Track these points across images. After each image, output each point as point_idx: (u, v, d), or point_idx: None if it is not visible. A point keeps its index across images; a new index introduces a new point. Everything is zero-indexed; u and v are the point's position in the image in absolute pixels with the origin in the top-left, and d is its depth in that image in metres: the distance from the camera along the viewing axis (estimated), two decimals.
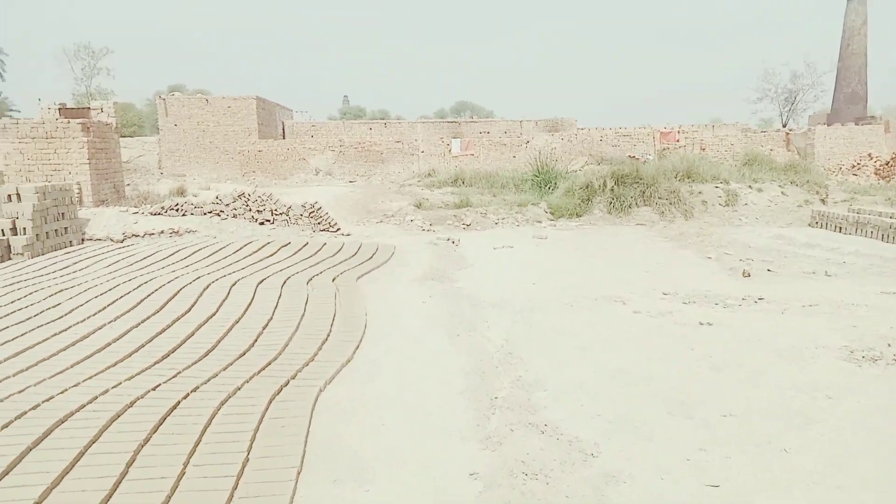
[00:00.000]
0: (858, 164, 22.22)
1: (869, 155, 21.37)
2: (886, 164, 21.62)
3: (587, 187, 17.35)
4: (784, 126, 39.77)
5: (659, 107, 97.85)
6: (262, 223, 14.79)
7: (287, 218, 14.79)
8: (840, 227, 14.62)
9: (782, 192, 17.01)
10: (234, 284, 9.17)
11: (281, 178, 31.29)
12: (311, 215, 14.73)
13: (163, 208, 14.46)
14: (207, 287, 8.93)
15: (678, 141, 32.71)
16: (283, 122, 37.23)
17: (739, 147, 26.22)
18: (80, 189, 15.43)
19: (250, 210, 14.87)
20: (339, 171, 31.24)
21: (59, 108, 17.26)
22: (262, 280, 9.62)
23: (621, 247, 13.44)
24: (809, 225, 15.62)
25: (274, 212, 14.83)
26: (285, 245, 12.93)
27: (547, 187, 19.01)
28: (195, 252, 11.92)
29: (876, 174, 21.66)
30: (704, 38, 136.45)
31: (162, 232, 13.99)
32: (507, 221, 16.44)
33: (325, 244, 13.31)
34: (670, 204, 16.55)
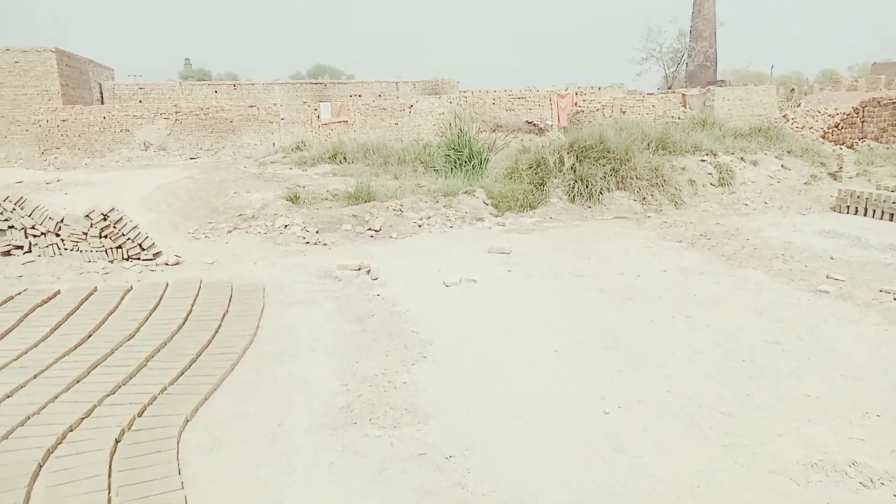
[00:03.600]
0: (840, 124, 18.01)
1: (856, 109, 17.35)
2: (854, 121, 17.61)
3: (537, 165, 11.78)
4: (670, 87, 36.78)
5: (531, 71, 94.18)
6: (5, 252, 7.78)
7: (57, 241, 7.87)
8: (892, 214, 10.23)
9: (782, 166, 12.49)
10: None
11: (96, 157, 22.93)
12: (106, 234, 7.91)
13: None
14: None
15: (577, 105, 28.19)
16: (100, 85, 28.22)
17: (662, 109, 21.97)
18: None
19: None
20: (177, 146, 23.43)
21: None
22: None
23: (637, 265, 8.02)
24: (834, 209, 11.16)
25: (30, 230, 7.84)
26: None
27: (471, 165, 13.25)
28: None
29: (829, 137, 18.00)
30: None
31: None
32: (434, 221, 10.48)
33: (122, 296, 6.74)
34: (652, 186, 11.45)
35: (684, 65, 36.91)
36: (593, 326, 5.79)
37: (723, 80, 44.73)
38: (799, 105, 34.71)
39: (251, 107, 24.48)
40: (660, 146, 12.45)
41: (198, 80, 42.67)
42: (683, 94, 30.48)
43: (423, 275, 7.66)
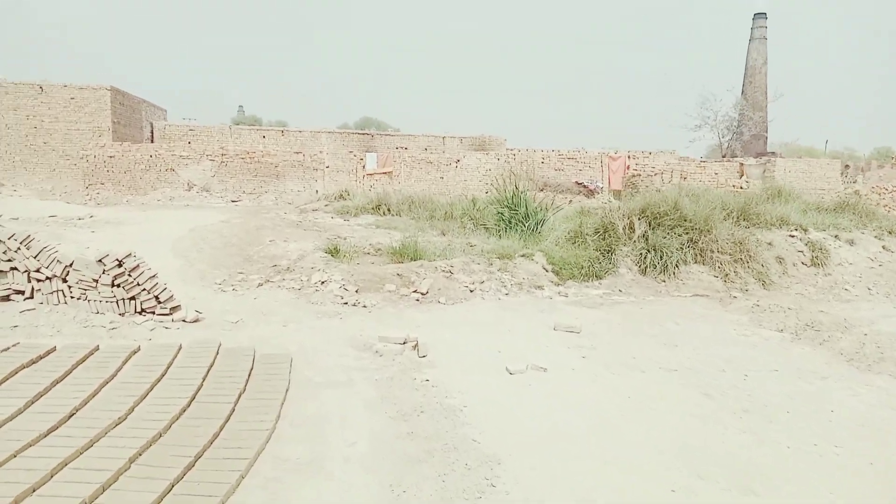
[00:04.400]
0: None
1: None
2: None
3: (604, 230, 10.48)
4: (724, 156, 35.42)
5: (583, 131, 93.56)
6: (4, 298, 6.76)
7: (64, 287, 6.83)
8: None
9: (884, 247, 10.95)
10: None
11: (139, 194, 22.50)
12: (119, 282, 6.84)
13: None
14: None
15: (629, 168, 27.00)
16: (151, 124, 28.23)
17: (724, 178, 20.60)
18: None
19: None
20: (220, 188, 22.88)
21: None
22: None
23: (738, 359, 6.55)
24: None
25: (34, 273, 6.82)
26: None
27: (526, 226, 12.03)
28: None
29: None
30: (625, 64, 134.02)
31: None
32: (488, 287, 9.19)
33: (124, 359, 5.59)
34: (735, 262, 10.01)
35: (738, 134, 35.56)
36: (715, 453, 4.35)
37: (773, 152, 43.23)
38: (855, 182, 32.96)
39: (297, 153, 23.93)
40: (741, 217, 11.05)
41: (248, 126, 43.00)
42: (741, 164, 29.06)
43: (480, 355, 6.32)
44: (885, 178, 34.89)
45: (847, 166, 43.72)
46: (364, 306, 8.29)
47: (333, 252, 10.39)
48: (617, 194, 26.91)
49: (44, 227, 11.04)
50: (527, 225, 12.02)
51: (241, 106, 58.22)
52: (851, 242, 10.87)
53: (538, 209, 12.18)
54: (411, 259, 9.98)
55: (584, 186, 26.48)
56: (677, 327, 7.75)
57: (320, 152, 24.83)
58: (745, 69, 45.96)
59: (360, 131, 32.94)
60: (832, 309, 8.87)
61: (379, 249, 11.00)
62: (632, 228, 10.37)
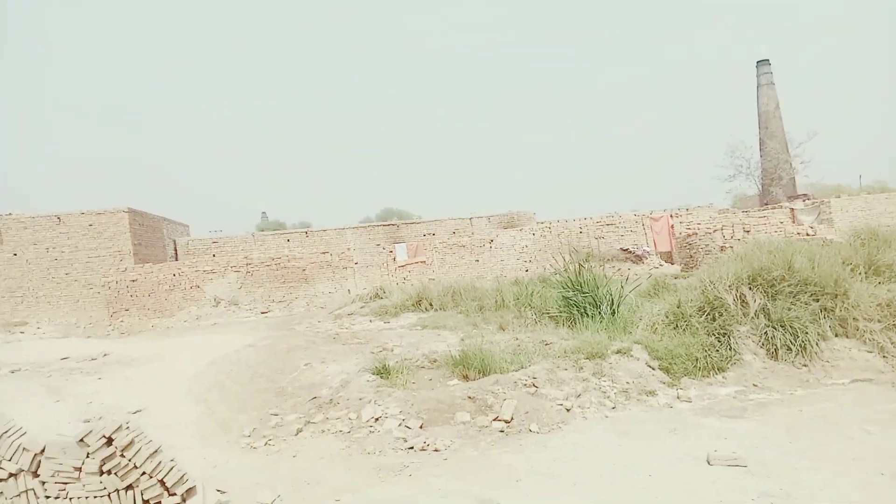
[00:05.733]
0: None
1: None
2: None
3: (711, 307, 8.37)
4: (767, 203, 33.34)
5: (610, 197, 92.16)
6: None
7: (35, 485, 4.92)
8: None
9: None
10: None
11: (165, 316, 20.99)
12: (109, 467, 4.92)
13: None
14: None
15: (673, 228, 25.02)
16: (174, 242, 27.19)
17: (790, 226, 18.49)
18: None
19: None
20: (248, 299, 21.29)
21: None
22: None
23: None
24: None
25: None
26: None
27: (600, 310, 9.98)
28: None
29: None
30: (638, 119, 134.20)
31: None
32: (587, 401, 7.06)
33: None
34: (887, 329, 7.78)
35: (777, 179, 33.59)
36: None
37: (805, 194, 40.96)
38: None
39: (324, 253, 22.43)
40: (871, 270, 8.90)
41: (272, 231, 42.10)
42: (792, 209, 26.91)
43: None
44: None
45: None
46: (436, 449, 6.21)
47: (382, 373, 8.39)
48: (667, 257, 24.81)
49: (45, 379, 9.27)
50: (601, 309, 9.98)
51: (264, 212, 57.87)
52: None
53: (614, 290, 10.15)
54: (479, 371, 7.93)
55: (631, 252, 24.45)
56: (873, 436, 5.52)
57: (348, 249, 23.34)
58: (759, 116, 44.55)
59: (385, 223, 31.64)
60: None
61: (435, 360, 8.99)
62: (744, 301, 8.26)
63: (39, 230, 22.30)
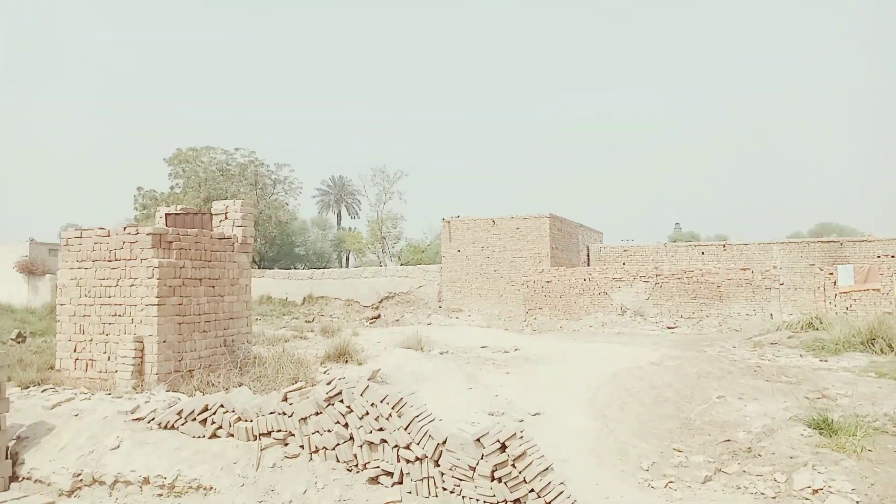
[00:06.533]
0: None
1: None
2: None
3: None
4: None
5: None
6: (373, 479, 5.23)
7: (436, 473, 4.98)
8: None
9: None
10: None
11: (572, 319, 21.67)
12: (500, 475, 4.66)
13: (181, 414, 6.00)
14: None
15: None
16: (587, 248, 28.07)
17: None
18: (140, 353, 8.01)
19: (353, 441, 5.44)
20: (654, 312, 20.32)
21: (168, 215, 10.30)
22: None
23: None
24: None
25: (403, 450, 5.14)
26: None
27: None
28: None
29: None
30: None
31: (147, 482, 5.49)
32: None
33: None
34: None
35: None
36: None
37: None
38: None
39: (743, 269, 19.83)
40: None
41: (685, 242, 39.99)
42: None
43: None
44: None
45: None
46: None
47: (824, 428, 6.42)
48: None
49: (464, 364, 10.12)
50: None
51: (677, 223, 55.87)
52: None
53: None
54: None
55: None
56: None
57: (773, 267, 20.17)
58: None
59: (824, 239, 26.50)
60: None
61: None
62: None
63: (477, 231, 25.58)
